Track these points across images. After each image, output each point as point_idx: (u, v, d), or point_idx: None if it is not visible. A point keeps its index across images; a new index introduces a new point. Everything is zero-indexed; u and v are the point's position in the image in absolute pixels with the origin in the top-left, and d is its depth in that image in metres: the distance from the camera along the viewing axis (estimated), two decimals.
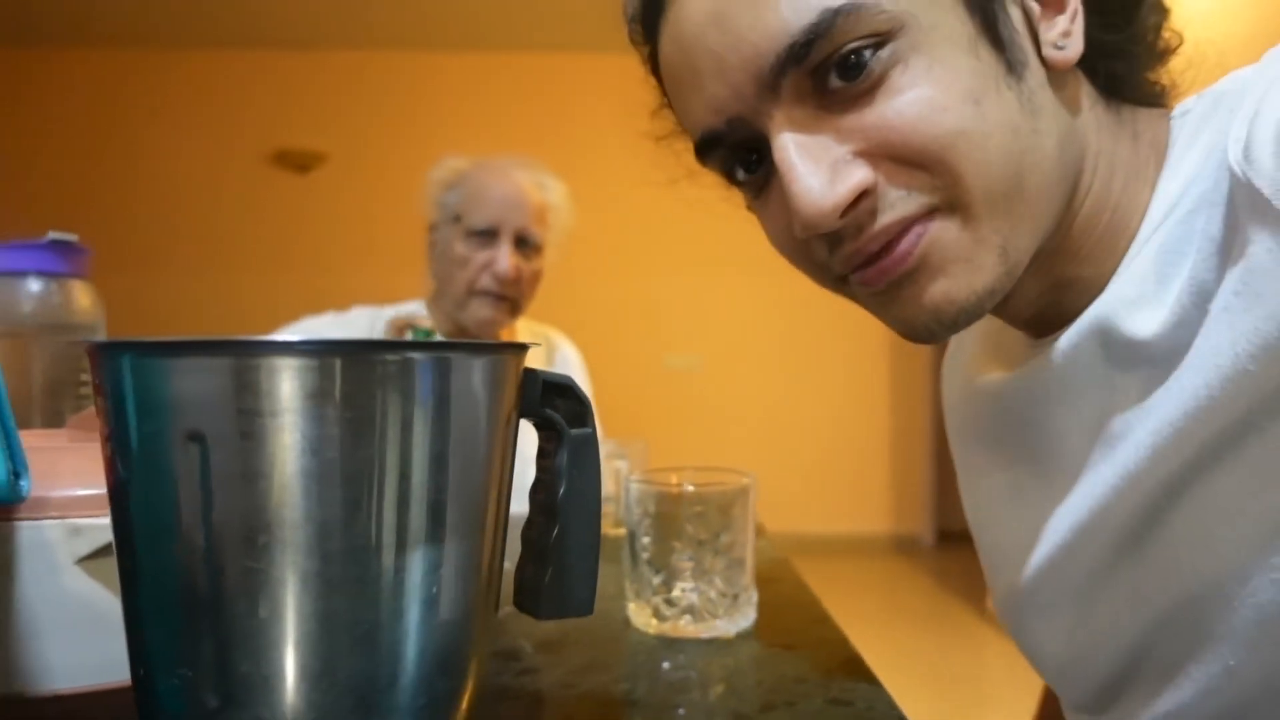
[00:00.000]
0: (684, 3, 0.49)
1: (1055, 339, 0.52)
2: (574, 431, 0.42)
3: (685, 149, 0.55)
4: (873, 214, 0.46)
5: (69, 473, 0.45)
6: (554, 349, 1.75)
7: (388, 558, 0.33)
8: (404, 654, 0.33)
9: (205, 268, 4.77)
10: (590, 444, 0.42)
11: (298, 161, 4.81)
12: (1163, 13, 0.52)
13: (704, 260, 4.73)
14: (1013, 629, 0.63)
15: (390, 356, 0.34)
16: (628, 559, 0.71)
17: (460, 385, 0.35)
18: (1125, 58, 0.52)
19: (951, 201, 0.46)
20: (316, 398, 0.32)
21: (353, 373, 0.33)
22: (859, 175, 0.45)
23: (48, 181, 4.62)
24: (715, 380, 4.84)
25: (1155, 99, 0.54)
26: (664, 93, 0.56)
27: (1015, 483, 0.60)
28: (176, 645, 0.32)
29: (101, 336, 0.90)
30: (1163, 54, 0.53)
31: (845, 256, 0.48)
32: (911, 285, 0.48)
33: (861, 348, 4.83)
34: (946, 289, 0.47)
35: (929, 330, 0.49)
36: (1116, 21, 0.50)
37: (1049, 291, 0.53)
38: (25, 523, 0.43)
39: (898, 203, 0.46)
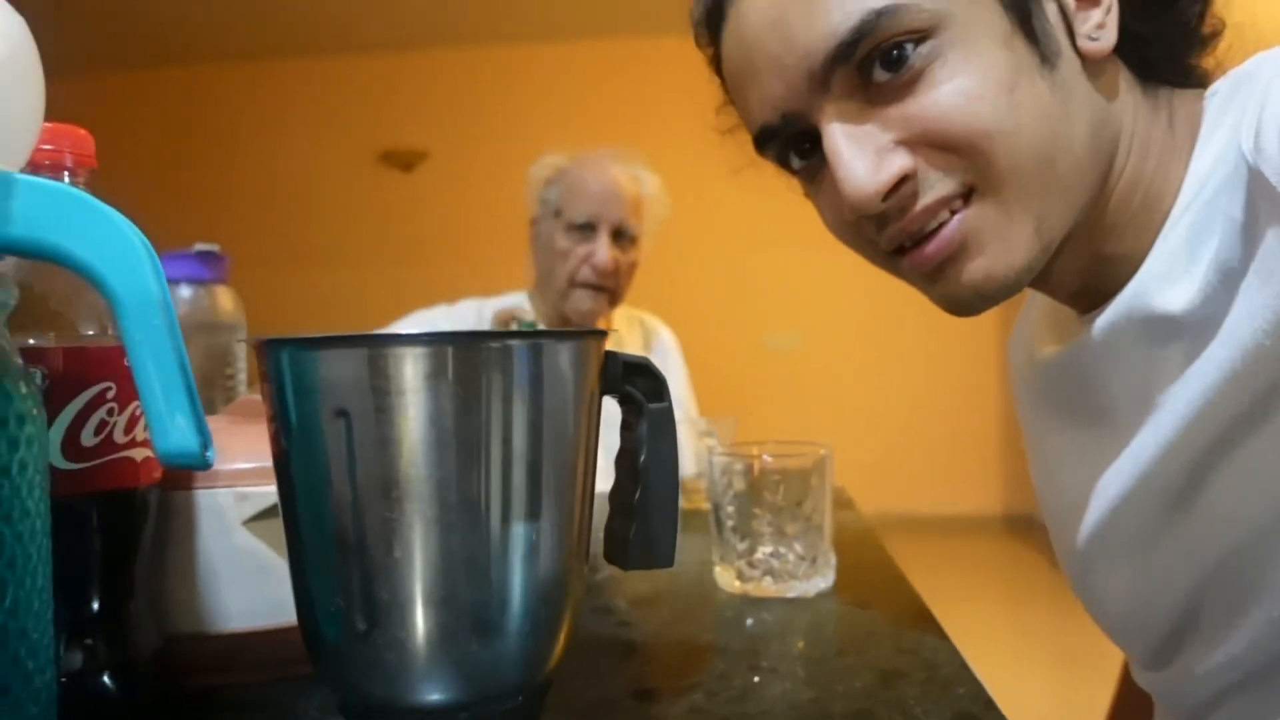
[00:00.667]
0: (745, 9, 0.54)
1: (1098, 315, 0.56)
2: (652, 405, 0.48)
3: (747, 141, 0.60)
4: (914, 196, 0.51)
5: (233, 449, 0.53)
6: (651, 334, 1.81)
7: (495, 507, 0.40)
8: (510, 586, 0.40)
9: (322, 263, 5.03)
10: (667, 415, 0.48)
11: (402, 160, 5.02)
12: (1204, 1, 0.55)
13: (801, 239, 4.72)
14: (1077, 587, 0.67)
15: (492, 344, 0.40)
16: (713, 526, 0.77)
17: (550, 366, 0.41)
18: (1164, 45, 0.55)
19: (986, 183, 0.50)
20: (433, 378, 0.39)
21: (461, 358, 0.40)
22: (900, 161, 0.50)
23: (187, 189, 4.94)
24: (815, 358, 4.84)
25: (1196, 82, 0.56)
26: (726, 90, 0.61)
27: (1074, 446, 0.63)
28: (331, 581, 0.40)
29: (243, 333, 1.01)
30: (1205, 40, 0.56)
31: (890, 235, 0.53)
32: (954, 266, 0.52)
33: (971, 325, 4.74)
34: (987, 267, 0.52)
35: (972, 304, 0.54)
36: (1154, 12, 0.54)
37: (1090, 266, 0.57)
38: (202, 490, 0.52)
39: (936, 184, 0.51)
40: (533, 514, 0.40)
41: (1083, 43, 0.52)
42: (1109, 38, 0.52)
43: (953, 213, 0.51)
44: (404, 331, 0.39)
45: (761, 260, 4.80)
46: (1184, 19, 0.55)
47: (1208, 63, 0.56)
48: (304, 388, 0.39)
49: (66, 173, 0.46)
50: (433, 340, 0.40)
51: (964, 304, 0.54)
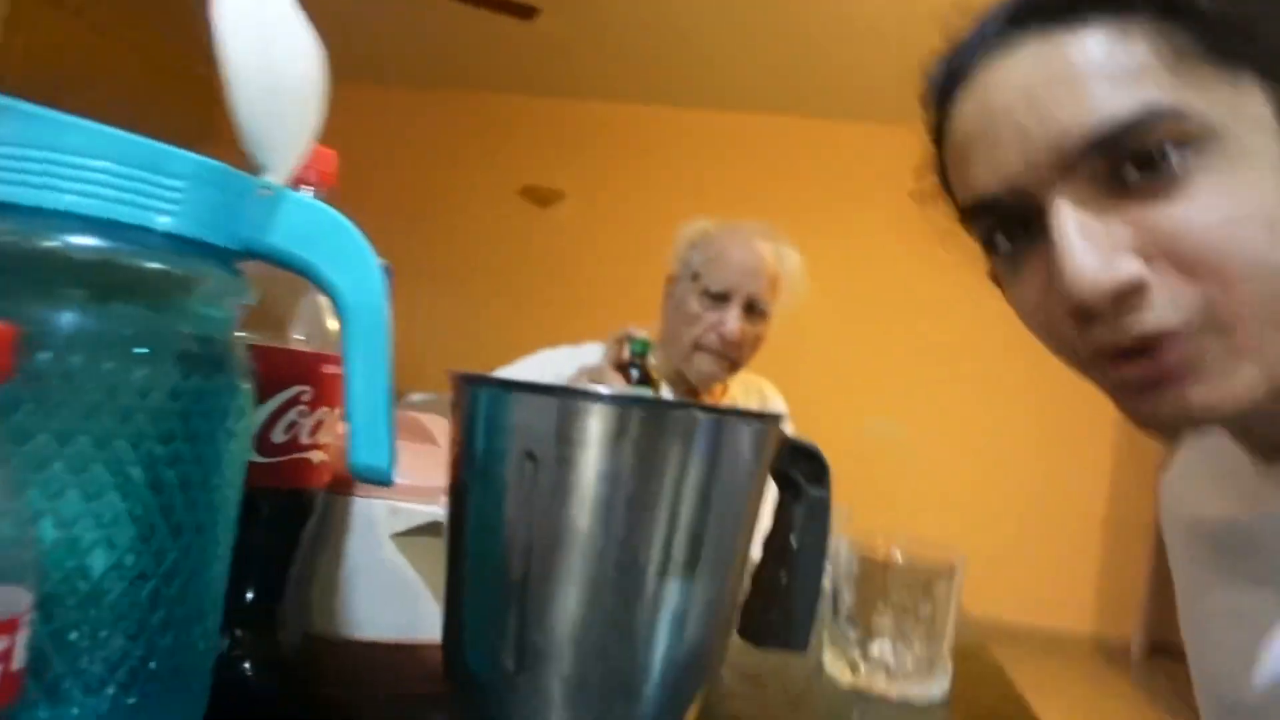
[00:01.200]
0: (999, 76, 0.51)
1: None
2: (813, 491, 0.47)
3: (940, 213, 0.59)
4: (1137, 311, 0.47)
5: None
6: (766, 400, 1.80)
7: (654, 573, 0.40)
8: (657, 652, 0.40)
9: (462, 290, 5.21)
10: (825, 503, 0.48)
11: (539, 196, 5.18)
12: None
13: (920, 327, 4.64)
14: None
15: (677, 412, 0.41)
16: (828, 610, 0.76)
17: (730, 443, 0.42)
18: None
19: (1220, 320, 0.46)
20: (616, 437, 0.40)
21: (645, 421, 0.40)
22: (1135, 268, 0.46)
23: (363, 207, 5.20)
24: (916, 449, 4.72)
25: None
26: (940, 156, 0.58)
27: (1240, 606, 0.60)
28: (488, 615, 0.41)
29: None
30: None
31: (1095, 341, 0.49)
32: (1173, 387, 0.48)
33: (1077, 431, 4.55)
34: (1208, 396, 0.47)
35: (1177, 429, 0.51)
36: None
37: None
38: (359, 499, 0.54)
39: (1164, 309, 0.47)
40: (689, 584, 0.41)
41: None
42: None
43: (1177, 340, 0.47)
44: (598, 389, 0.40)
45: (867, 345, 4.74)
46: None
47: None
48: (496, 427, 0.41)
49: (311, 188, 0.49)
50: (621, 401, 0.41)
51: (1168, 427, 0.51)
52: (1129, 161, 0.47)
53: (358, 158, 5.16)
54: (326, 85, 0.38)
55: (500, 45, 4.66)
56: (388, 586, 0.54)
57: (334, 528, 0.54)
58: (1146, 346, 0.48)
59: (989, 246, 0.56)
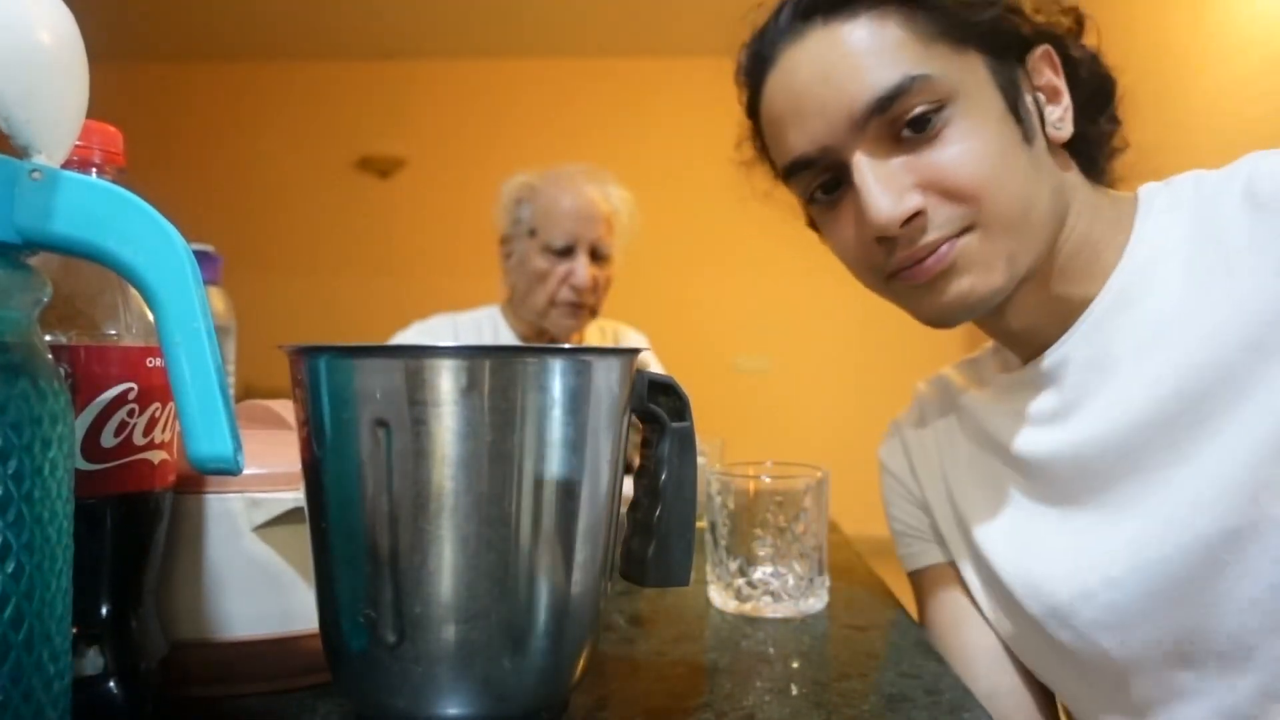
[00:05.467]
0: (796, 63, 0.66)
1: (1046, 355, 0.69)
2: (675, 425, 0.48)
3: (761, 175, 0.74)
4: (922, 230, 0.63)
5: (246, 454, 0.53)
6: (621, 340, 1.83)
7: (528, 523, 0.40)
8: (540, 602, 0.40)
9: (294, 267, 4.97)
10: (689, 436, 0.49)
11: (379, 167, 4.99)
12: (1117, 123, 0.72)
13: (772, 262, 4.77)
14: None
15: (528, 358, 0.41)
16: (709, 546, 0.78)
17: (586, 383, 0.42)
18: (1094, 149, 0.71)
19: (977, 223, 0.63)
20: (469, 392, 0.39)
21: (497, 371, 0.40)
22: (915, 200, 0.63)
23: (161, 188, 4.87)
24: (785, 382, 4.87)
25: (1106, 181, 0.72)
26: (756, 129, 0.72)
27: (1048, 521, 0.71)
28: (361, 592, 0.40)
29: (234, 337, 0.99)
30: (1117, 150, 0.73)
31: (898, 259, 0.65)
32: (944, 281, 0.64)
33: (933, 351, 4.81)
34: (970, 285, 0.64)
35: (954, 316, 0.66)
36: (1085, 122, 0.69)
37: (1042, 303, 0.68)
38: (213, 495, 0.52)
39: (942, 224, 0.63)
40: (565, 531, 0.41)
41: (1049, 130, 0.67)
42: (1067, 129, 0.67)
43: (947, 242, 0.63)
44: (443, 345, 0.39)
45: (733, 282, 4.84)
46: (1103, 133, 0.71)
47: (1116, 171, 0.73)
48: (342, 397, 0.39)
49: (95, 169, 0.46)
50: (471, 354, 0.40)
51: (947, 314, 0.66)
52: (904, 124, 0.62)
53: (179, 140, 4.85)
54: (84, 56, 0.35)
55: (320, 9, 4.44)
56: (256, 581, 0.52)
57: (189, 528, 0.52)
58: (926, 255, 0.64)
59: (809, 200, 0.70)
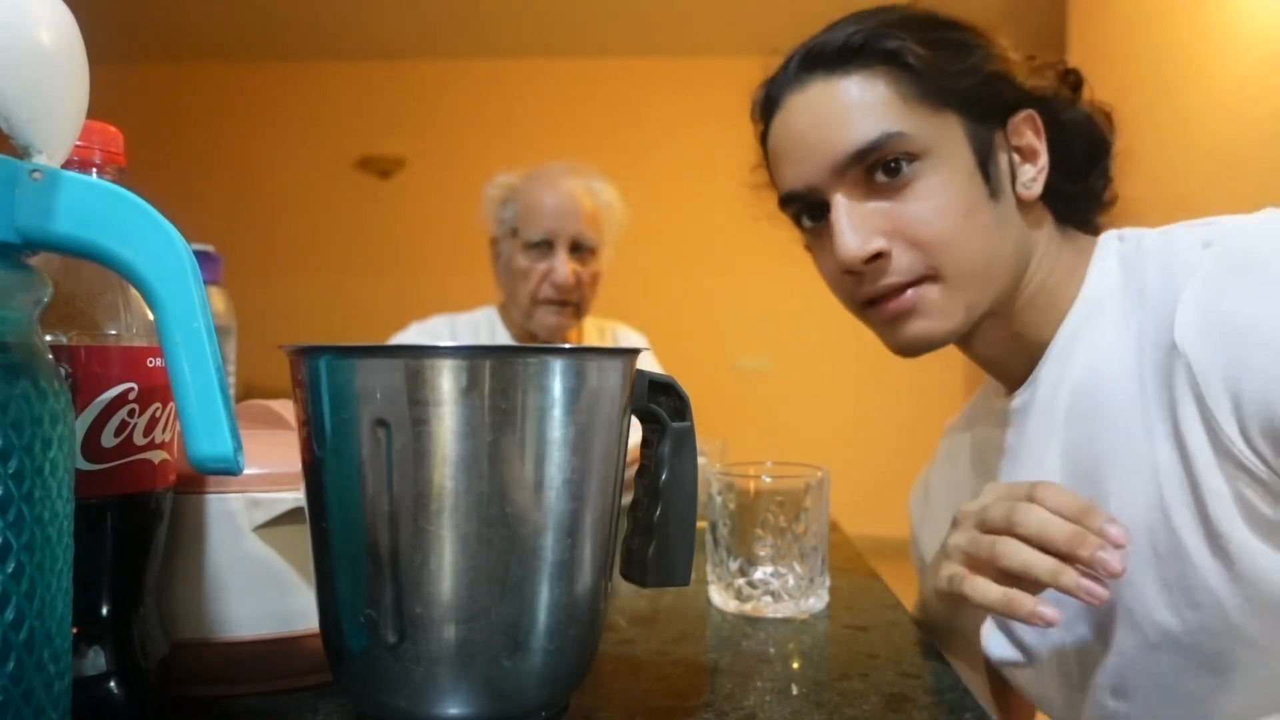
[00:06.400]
0: (795, 108, 0.74)
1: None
2: (675, 424, 0.48)
3: (769, 197, 0.80)
4: (884, 271, 0.71)
5: (246, 454, 0.53)
6: (619, 340, 1.82)
7: (530, 523, 0.40)
8: (541, 602, 0.40)
9: (295, 267, 4.97)
10: (689, 435, 0.49)
11: (379, 167, 4.99)
12: (1108, 179, 0.78)
13: (775, 262, 4.77)
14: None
15: (529, 357, 0.41)
16: (710, 546, 0.78)
17: (586, 383, 0.42)
18: (1077, 202, 0.77)
19: (938, 274, 0.70)
20: (469, 392, 0.39)
21: (497, 370, 0.40)
22: (879, 243, 0.70)
23: (163, 188, 4.87)
24: (786, 382, 4.87)
25: (1095, 229, 0.78)
26: (766, 157, 0.80)
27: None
28: (362, 591, 0.40)
29: (234, 337, 0.99)
30: (1105, 204, 0.79)
31: (863, 292, 0.73)
32: (904, 322, 0.72)
33: (934, 353, 4.80)
34: (927, 328, 0.72)
35: (914, 350, 0.74)
36: (1071, 180, 0.75)
37: (1006, 341, 0.76)
38: (213, 495, 0.52)
39: (901, 269, 0.70)
40: (566, 531, 0.41)
41: (1019, 188, 0.73)
42: (1037, 189, 0.73)
43: (908, 288, 0.70)
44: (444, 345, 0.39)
45: (735, 282, 4.84)
46: (1091, 190, 0.77)
47: (1104, 219, 0.79)
48: (342, 396, 0.39)
49: (95, 169, 0.46)
50: (471, 353, 0.40)
51: (908, 349, 0.74)
52: (879, 170, 0.70)
53: (179, 140, 4.84)
54: (84, 56, 0.35)
55: (320, 9, 4.44)
56: (257, 581, 0.52)
57: (190, 529, 0.52)
58: (890, 294, 0.71)
59: (799, 224, 0.78)
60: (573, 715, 0.47)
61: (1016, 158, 0.73)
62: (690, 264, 4.79)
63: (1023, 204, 0.73)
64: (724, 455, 1.17)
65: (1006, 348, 0.77)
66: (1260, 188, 2.20)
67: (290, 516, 0.51)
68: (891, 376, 4.86)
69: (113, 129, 0.47)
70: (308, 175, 5.05)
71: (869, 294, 0.72)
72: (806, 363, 4.88)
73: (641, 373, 0.47)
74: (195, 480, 0.51)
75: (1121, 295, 0.70)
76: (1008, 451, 0.78)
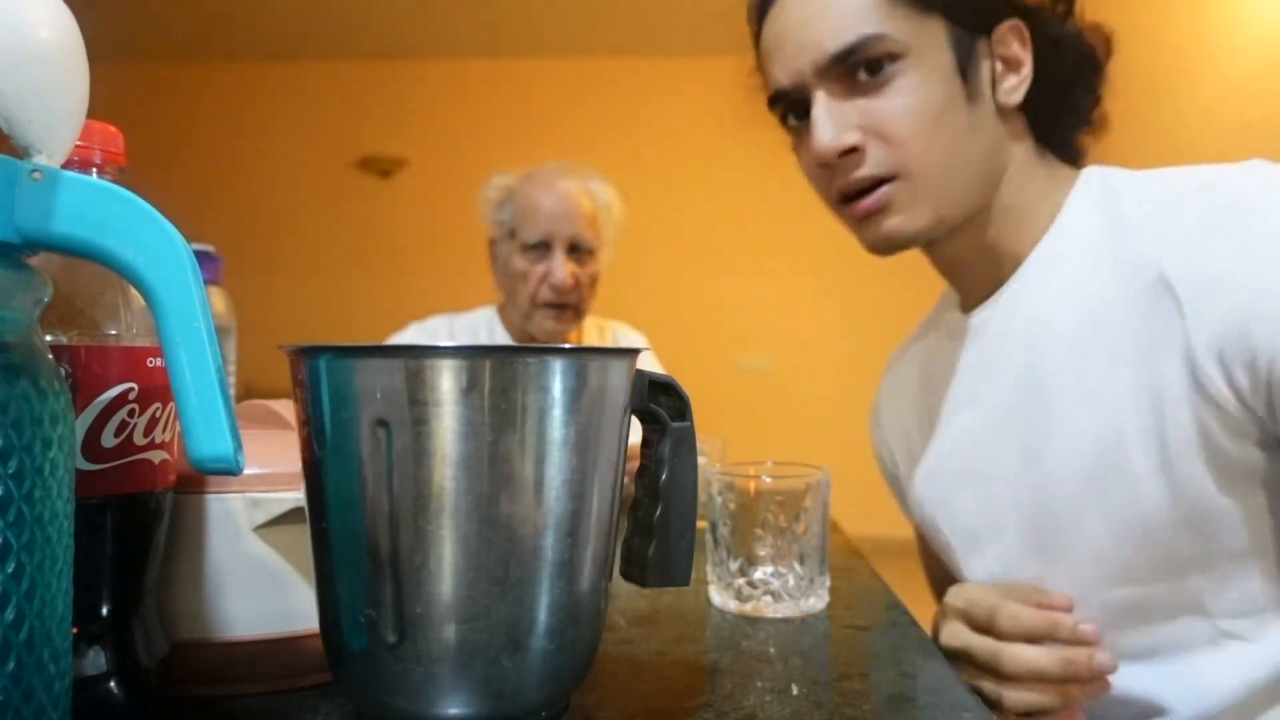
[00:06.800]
0: (784, 8, 0.76)
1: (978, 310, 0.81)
2: (675, 424, 0.48)
3: (761, 100, 0.82)
4: (857, 165, 0.74)
5: (246, 454, 0.53)
6: (619, 340, 1.82)
7: (530, 523, 0.40)
8: (540, 603, 0.40)
9: (299, 269, 4.97)
10: (689, 435, 0.49)
11: (379, 167, 4.99)
12: (1096, 99, 0.79)
13: (776, 263, 4.77)
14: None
15: (529, 357, 0.40)
16: (710, 546, 0.78)
17: (586, 383, 0.42)
18: (1060, 119, 0.79)
19: (905, 171, 0.73)
20: (470, 391, 0.39)
21: (497, 370, 0.40)
22: (853, 137, 0.73)
23: (162, 188, 4.86)
24: (787, 382, 4.86)
25: (1077, 156, 0.80)
26: (758, 59, 0.82)
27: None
28: (362, 591, 0.40)
29: (234, 337, 0.99)
30: (1091, 127, 0.80)
31: (836, 186, 0.76)
32: (875, 219, 0.75)
33: None
34: (896, 224, 0.75)
35: (887, 248, 0.77)
36: (1054, 94, 0.77)
37: (979, 247, 0.79)
38: (213, 495, 0.52)
39: (873, 163, 0.73)
40: (566, 531, 0.41)
41: (1000, 95, 0.75)
42: (1017, 98, 0.75)
43: (880, 185, 0.73)
44: (444, 345, 0.39)
45: (737, 282, 4.83)
46: (1075, 107, 0.78)
47: (1093, 150, 0.80)
48: (342, 396, 0.39)
49: (95, 169, 0.46)
50: (471, 353, 0.40)
51: (881, 246, 0.77)
52: (860, 68, 0.72)
53: (179, 140, 4.84)
54: (84, 56, 0.35)
55: (320, 9, 4.44)
56: (257, 581, 0.52)
57: (190, 529, 0.52)
58: (862, 191, 0.74)
59: (785, 124, 0.81)
60: (573, 715, 0.47)
61: (1000, 66, 0.75)
62: (691, 264, 4.79)
63: (1002, 112, 0.75)
64: (724, 455, 1.17)
65: (973, 257, 0.80)
66: None
67: (290, 516, 0.51)
68: (876, 371, 4.86)
69: (113, 129, 0.47)
70: (308, 175, 5.05)
71: (842, 187, 0.75)
72: (807, 363, 4.88)
73: (641, 373, 0.47)
74: (195, 480, 0.51)
75: (1098, 224, 0.72)
76: (960, 368, 0.82)
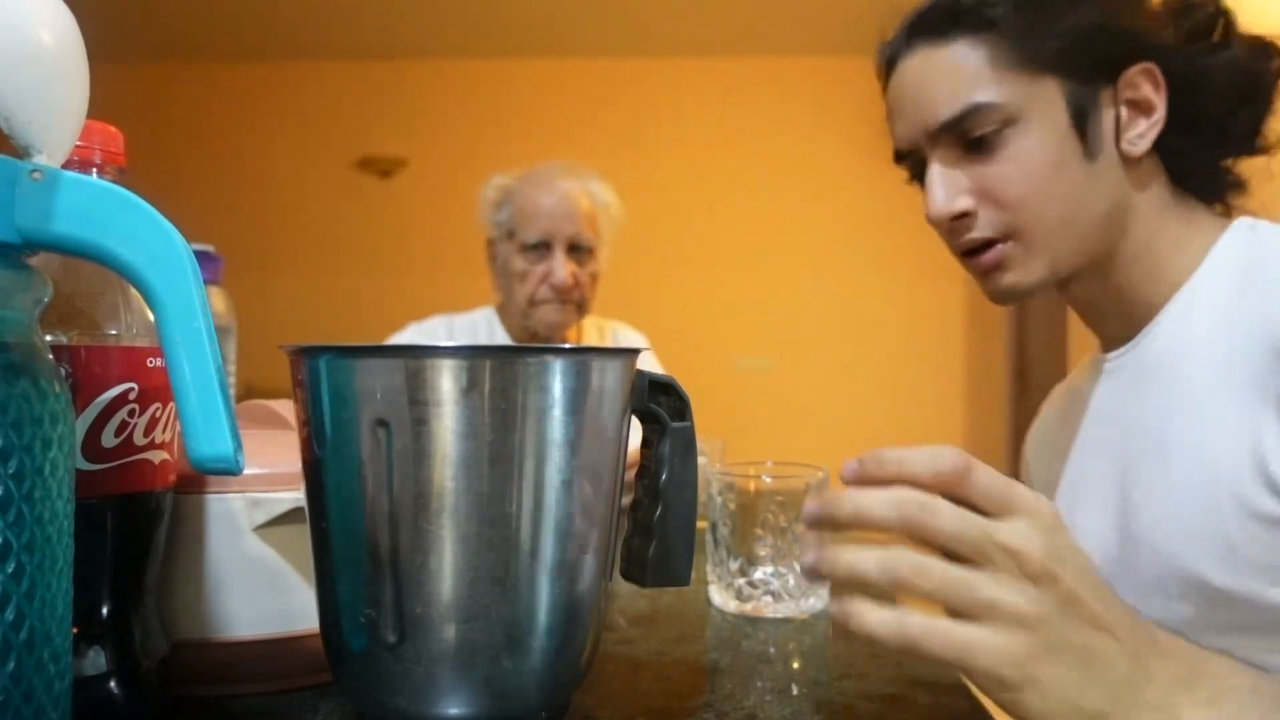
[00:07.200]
0: (903, 68, 0.76)
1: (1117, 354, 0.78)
2: (675, 424, 0.48)
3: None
4: (969, 228, 0.74)
5: (246, 454, 0.53)
6: (619, 340, 1.82)
7: (529, 523, 0.40)
8: (540, 603, 0.40)
9: (299, 269, 4.97)
10: (689, 435, 0.49)
11: (380, 167, 4.99)
12: (1257, 125, 0.73)
13: (776, 263, 4.77)
14: None
15: (529, 357, 0.41)
16: (710, 546, 0.78)
17: (587, 383, 0.42)
18: (1198, 161, 0.75)
19: (1019, 232, 0.73)
20: (470, 392, 0.39)
21: (497, 370, 0.40)
22: (964, 203, 0.74)
23: (162, 187, 4.86)
24: (788, 382, 4.86)
25: (1220, 197, 0.76)
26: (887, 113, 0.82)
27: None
28: (362, 592, 0.40)
29: (234, 337, 0.99)
30: (1236, 182, 0.75)
31: (954, 246, 0.77)
32: (995, 274, 0.75)
33: (936, 352, 4.81)
34: (1014, 279, 0.74)
35: (1005, 300, 0.76)
36: (1195, 132, 0.72)
37: (1104, 292, 0.77)
38: (213, 495, 0.52)
39: (985, 225, 0.73)
40: (566, 531, 0.41)
41: (1124, 144, 0.72)
42: (1144, 145, 0.72)
43: (993, 244, 0.73)
44: (444, 345, 0.38)
45: (737, 282, 4.84)
46: (1223, 141, 0.74)
47: (1250, 204, 0.76)
48: (342, 396, 0.39)
49: (95, 169, 0.46)
50: (471, 354, 0.40)
51: (999, 299, 0.77)
52: (970, 135, 0.72)
53: (179, 140, 4.82)
54: (84, 56, 0.35)
55: (320, 9, 4.43)
56: (257, 581, 0.52)
57: (190, 528, 0.52)
58: (978, 250, 0.75)
59: (912, 178, 0.81)
60: (573, 715, 0.47)
61: (1125, 113, 0.72)
62: (691, 264, 4.79)
63: (1128, 160, 0.72)
64: (724, 455, 1.17)
65: (1105, 300, 0.78)
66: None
67: (290, 516, 0.51)
68: (892, 378, 4.87)
69: (112, 129, 0.47)
70: (308, 175, 5.05)
71: (958, 248, 0.76)
72: (807, 363, 4.88)
73: (642, 373, 0.47)
74: (195, 480, 0.51)
75: (1234, 279, 0.69)
76: (1091, 411, 0.81)
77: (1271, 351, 0.63)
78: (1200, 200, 0.76)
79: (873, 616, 0.41)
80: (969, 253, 0.76)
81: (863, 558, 0.41)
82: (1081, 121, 0.71)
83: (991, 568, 0.40)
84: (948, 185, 0.74)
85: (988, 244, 0.74)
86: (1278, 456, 0.61)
